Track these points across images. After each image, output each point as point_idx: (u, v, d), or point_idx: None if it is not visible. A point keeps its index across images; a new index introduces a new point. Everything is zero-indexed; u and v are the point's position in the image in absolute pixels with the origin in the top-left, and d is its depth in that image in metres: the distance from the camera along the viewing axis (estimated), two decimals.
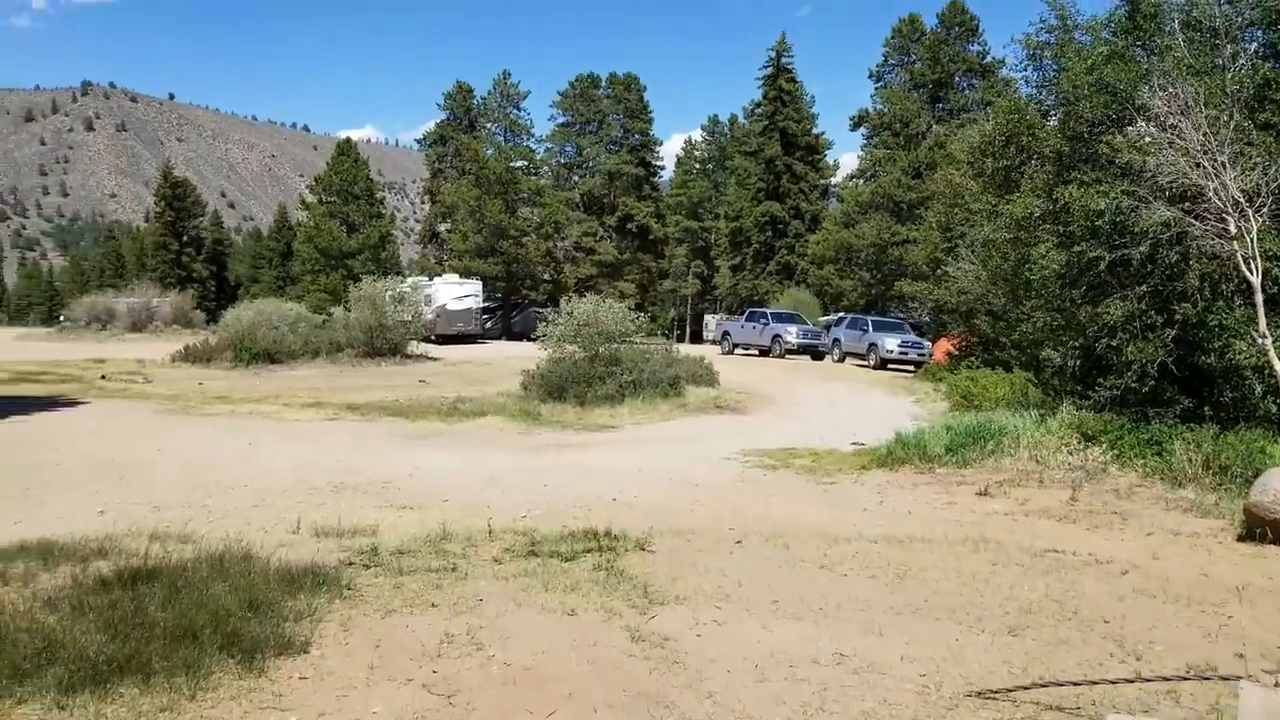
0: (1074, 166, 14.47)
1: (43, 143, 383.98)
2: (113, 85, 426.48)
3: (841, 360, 34.78)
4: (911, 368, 31.77)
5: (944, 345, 30.68)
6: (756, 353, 37.91)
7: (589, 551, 6.61)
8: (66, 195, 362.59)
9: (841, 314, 42.03)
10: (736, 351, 38.33)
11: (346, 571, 5.91)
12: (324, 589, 5.45)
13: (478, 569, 6.12)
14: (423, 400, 20.66)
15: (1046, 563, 7.72)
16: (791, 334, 36.44)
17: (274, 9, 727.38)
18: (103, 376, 25.89)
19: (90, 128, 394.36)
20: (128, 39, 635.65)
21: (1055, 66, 15.41)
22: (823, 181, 63.23)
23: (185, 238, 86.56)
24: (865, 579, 6.82)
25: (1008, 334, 22.14)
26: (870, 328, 33.84)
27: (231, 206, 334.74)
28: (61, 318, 75.90)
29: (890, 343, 32.28)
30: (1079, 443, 13.02)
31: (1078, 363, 14.59)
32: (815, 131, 62.74)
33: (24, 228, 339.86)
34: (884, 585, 6.70)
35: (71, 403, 19.65)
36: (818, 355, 36.30)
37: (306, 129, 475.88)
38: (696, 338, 62.93)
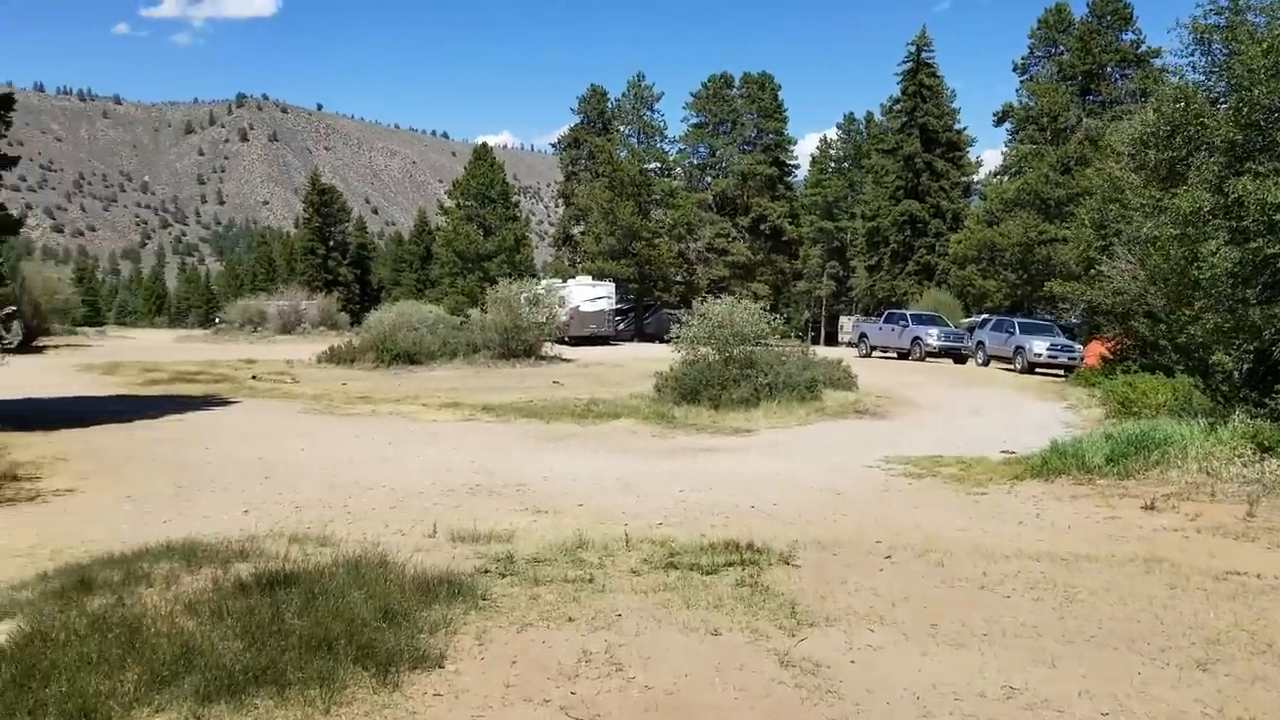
0: (1249, 157, 13.39)
1: (201, 153, 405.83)
2: (265, 97, 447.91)
3: (986, 364, 33.52)
4: (1061, 372, 30.35)
5: (1096, 348, 29.18)
6: (895, 355, 36.92)
7: (731, 565, 6.28)
8: (223, 203, 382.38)
9: (985, 315, 40.55)
10: (874, 354, 37.40)
11: (482, 580, 5.75)
12: (459, 599, 5.29)
13: (615, 581, 5.87)
14: (556, 402, 20.69)
15: (1230, 587, 7.02)
16: (932, 336, 35.32)
17: (414, 21, 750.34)
18: (253, 377, 26.90)
19: (244, 138, 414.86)
20: (280, 53, 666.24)
21: (1226, 51, 14.32)
22: (964, 179, 61.30)
23: (331, 242, 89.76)
24: (1030, 601, 6.30)
25: (1169, 336, 20.82)
26: (1017, 330, 32.49)
27: (375, 212, 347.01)
28: (217, 320, 79.74)
29: (1038, 345, 30.91)
30: (1254, 454, 11.99)
31: (1251, 367, 13.51)
32: (956, 127, 60.89)
33: (184, 234, 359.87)
34: (1051, 609, 6.17)
35: (224, 402, 20.40)
36: (960, 359, 35.10)
37: (445, 135, 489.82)
38: (831, 340, 61.90)
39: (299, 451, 13.00)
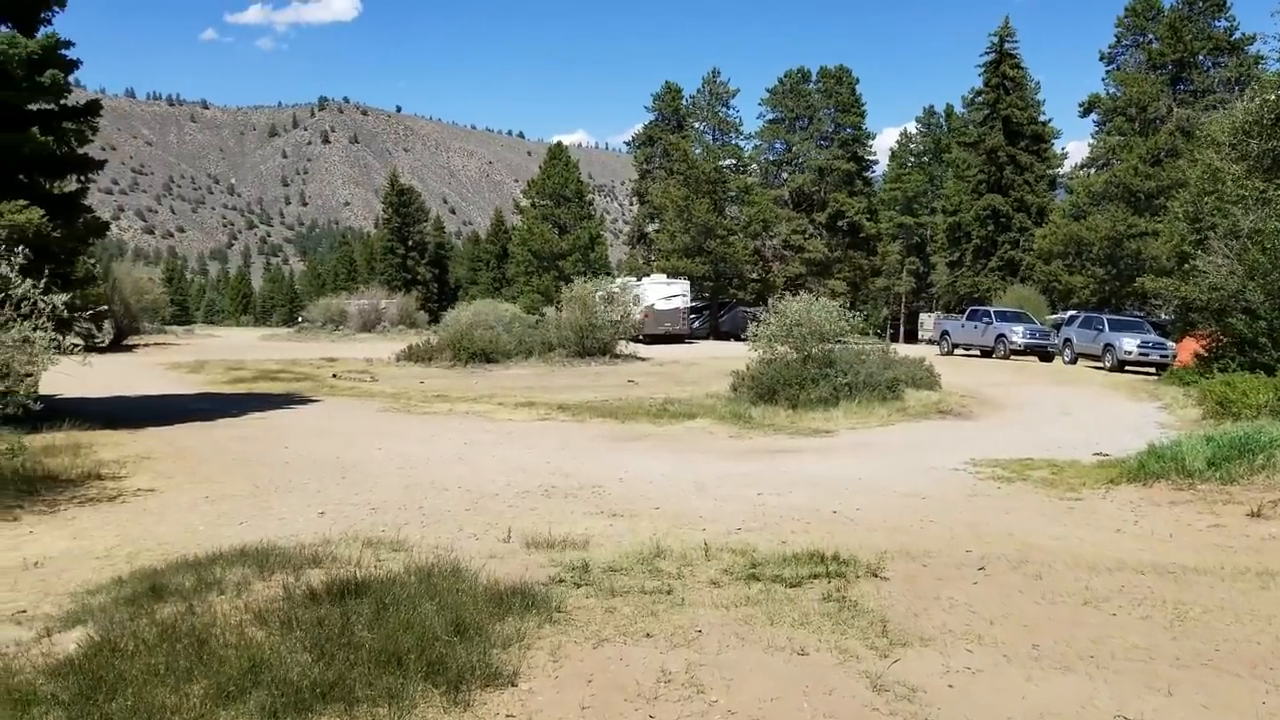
0: None
1: (284, 155, 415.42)
2: (346, 100, 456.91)
3: (1073, 362, 32.49)
4: (1153, 371, 29.26)
5: (1190, 346, 28.03)
6: (978, 353, 36.01)
7: (816, 577, 5.96)
8: (305, 204, 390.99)
9: (1073, 312, 39.38)
10: (956, 352, 36.52)
11: (557, 590, 5.54)
12: (533, 611, 5.08)
13: (695, 593, 5.61)
14: (631, 401, 20.52)
15: None
16: (1017, 334, 34.35)
17: (490, 22, 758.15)
18: (334, 375, 27.25)
19: (326, 140, 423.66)
20: (359, 56, 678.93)
21: None
22: (1049, 172, 59.67)
23: (410, 242, 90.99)
24: (1138, 620, 5.89)
25: (1270, 334, 19.87)
26: (1106, 326, 31.41)
27: (452, 212, 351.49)
28: (300, 319, 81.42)
29: (1129, 343, 29.83)
30: None
31: None
32: (1040, 119, 59.29)
33: (269, 235, 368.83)
34: (1162, 628, 5.75)
35: (305, 400, 20.64)
36: (1046, 357, 34.09)
37: (521, 135, 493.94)
38: (911, 337, 60.80)
39: (376, 451, 12.99)
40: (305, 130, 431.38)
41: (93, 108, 15.20)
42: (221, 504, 8.59)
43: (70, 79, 14.47)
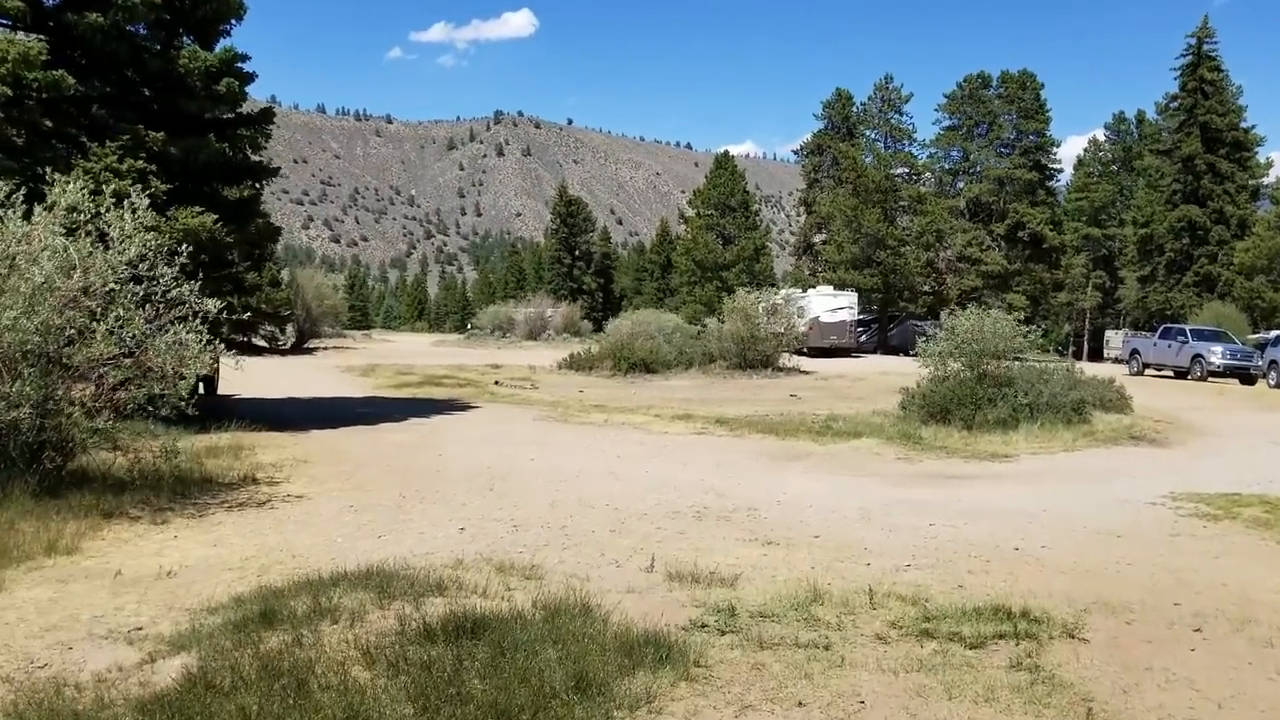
0: None
1: (461, 168, 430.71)
2: (520, 114, 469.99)
3: (1279, 386, 29.70)
4: None
5: None
6: (1171, 374, 33.56)
7: (1001, 637, 5.10)
8: (480, 215, 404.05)
9: (1278, 332, 36.15)
10: (1147, 372, 34.12)
11: (697, 638, 4.89)
12: (668, 665, 4.44)
13: (857, 650, 4.86)
14: (793, 416, 19.70)
15: None
16: (1216, 354, 31.76)
17: (660, 35, 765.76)
18: (496, 382, 27.48)
19: (500, 153, 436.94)
20: (534, 71, 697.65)
21: None
22: (1252, 182, 55.46)
23: (577, 252, 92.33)
24: None
25: None
26: None
27: (619, 223, 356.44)
28: (469, 326, 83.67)
29: None
30: None
31: None
32: (1242, 125, 55.09)
33: (445, 244, 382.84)
34: None
35: (465, 407, 20.73)
36: (1248, 379, 31.37)
37: (689, 146, 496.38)
38: (1095, 355, 57.38)
39: (528, 461, 12.70)
40: (481, 144, 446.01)
41: (266, 115, 15.59)
42: (365, 514, 8.36)
43: (245, 89, 14.86)
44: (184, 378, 8.37)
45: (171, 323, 8.56)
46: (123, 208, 8.63)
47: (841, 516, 9.80)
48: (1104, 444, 16.73)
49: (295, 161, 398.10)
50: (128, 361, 8.30)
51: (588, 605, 5.11)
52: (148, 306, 8.38)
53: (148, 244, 8.59)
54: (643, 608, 5.39)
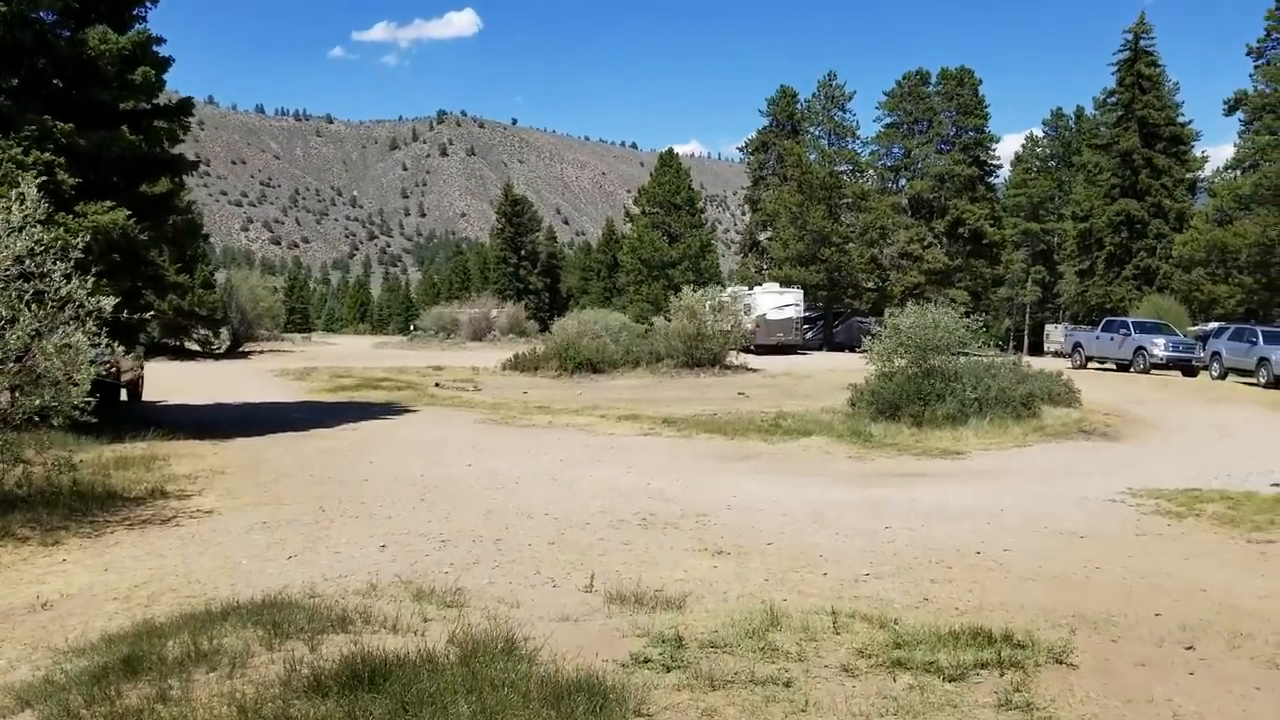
0: None
1: (404, 168, 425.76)
2: (464, 113, 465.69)
3: (1222, 377, 29.86)
4: None
5: None
6: (1114, 367, 33.64)
7: (984, 666, 4.53)
8: (424, 215, 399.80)
9: (1218, 324, 36.50)
10: (1090, 365, 34.16)
11: (638, 678, 4.23)
12: (603, 716, 3.85)
13: (821, 688, 4.23)
14: (742, 415, 19.26)
15: None
16: (1158, 346, 31.88)
17: (603, 34, 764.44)
18: (436, 384, 26.70)
19: (444, 153, 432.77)
20: (478, 71, 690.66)
21: None
22: (1189, 175, 56.09)
23: (523, 252, 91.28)
24: None
25: None
26: (1261, 339, 28.72)
27: (566, 222, 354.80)
28: (412, 327, 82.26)
29: None
30: None
31: None
32: (1179, 120, 55.80)
33: (389, 245, 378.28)
34: None
35: (402, 410, 19.98)
36: (1189, 371, 31.54)
37: (634, 146, 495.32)
38: (1035, 349, 57.84)
39: (464, 467, 12.06)
40: (424, 143, 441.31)
41: (184, 106, 14.74)
42: (278, 531, 7.68)
43: (163, 78, 14.02)
44: (76, 384, 7.61)
45: (66, 323, 7.79)
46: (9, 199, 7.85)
47: (794, 520, 9.33)
48: (1055, 438, 16.50)
49: (234, 162, 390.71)
50: (13, 367, 7.53)
51: (512, 642, 4.47)
52: (34, 307, 7.61)
53: (38, 238, 7.82)
54: (578, 640, 4.80)
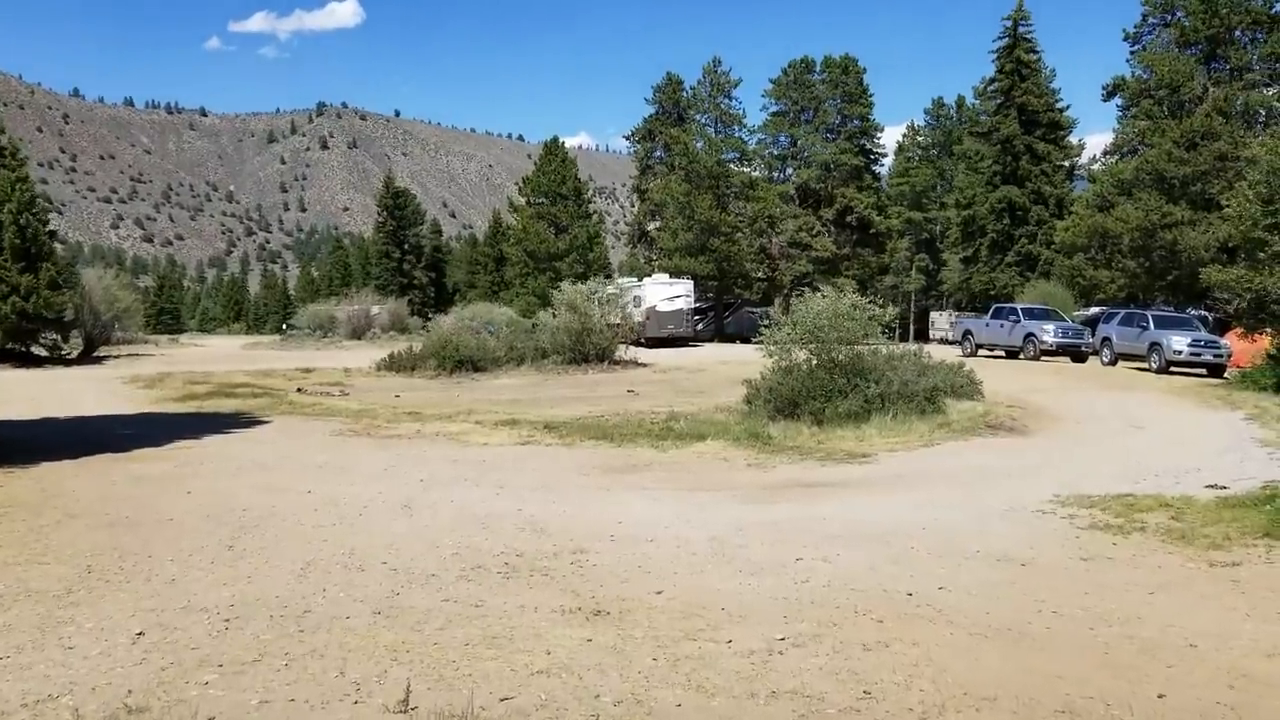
0: None
1: (283, 161, 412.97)
2: (344, 105, 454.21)
3: (1112, 363, 29.72)
4: (1204, 372, 26.53)
5: (1247, 345, 25.33)
6: (1003, 354, 33.40)
7: None
8: (304, 210, 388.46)
9: (1105, 308, 36.65)
10: (980, 353, 33.81)
11: None
12: None
13: None
14: (631, 416, 17.76)
15: None
16: (1048, 333, 31.70)
17: (490, 25, 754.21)
18: (299, 389, 24.49)
19: (325, 146, 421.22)
20: (359, 62, 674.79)
21: None
22: (1067, 162, 56.89)
23: (406, 246, 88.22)
24: None
25: None
26: (1151, 324, 28.62)
27: (453, 216, 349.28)
28: (285, 326, 78.54)
29: (1178, 342, 27.03)
30: None
31: None
32: (1058, 107, 56.53)
33: (268, 242, 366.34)
34: None
35: (251, 422, 17.87)
36: (1079, 357, 31.43)
37: (521, 138, 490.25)
38: (921, 337, 58.12)
39: (302, 495, 10.22)
40: (304, 136, 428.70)
41: None
42: (9, 610, 5.76)
43: None
44: None
45: None
46: None
47: (690, 554, 7.83)
48: (962, 435, 15.43)
49: (102, 157, 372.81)
50: None
51: None
52: None
53: None
54: None
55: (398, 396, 23.16)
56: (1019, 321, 32.99)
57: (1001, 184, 54.61)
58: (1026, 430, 16.35)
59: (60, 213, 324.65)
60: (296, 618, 5.67)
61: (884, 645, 5.49)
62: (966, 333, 35.97)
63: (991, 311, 35.89)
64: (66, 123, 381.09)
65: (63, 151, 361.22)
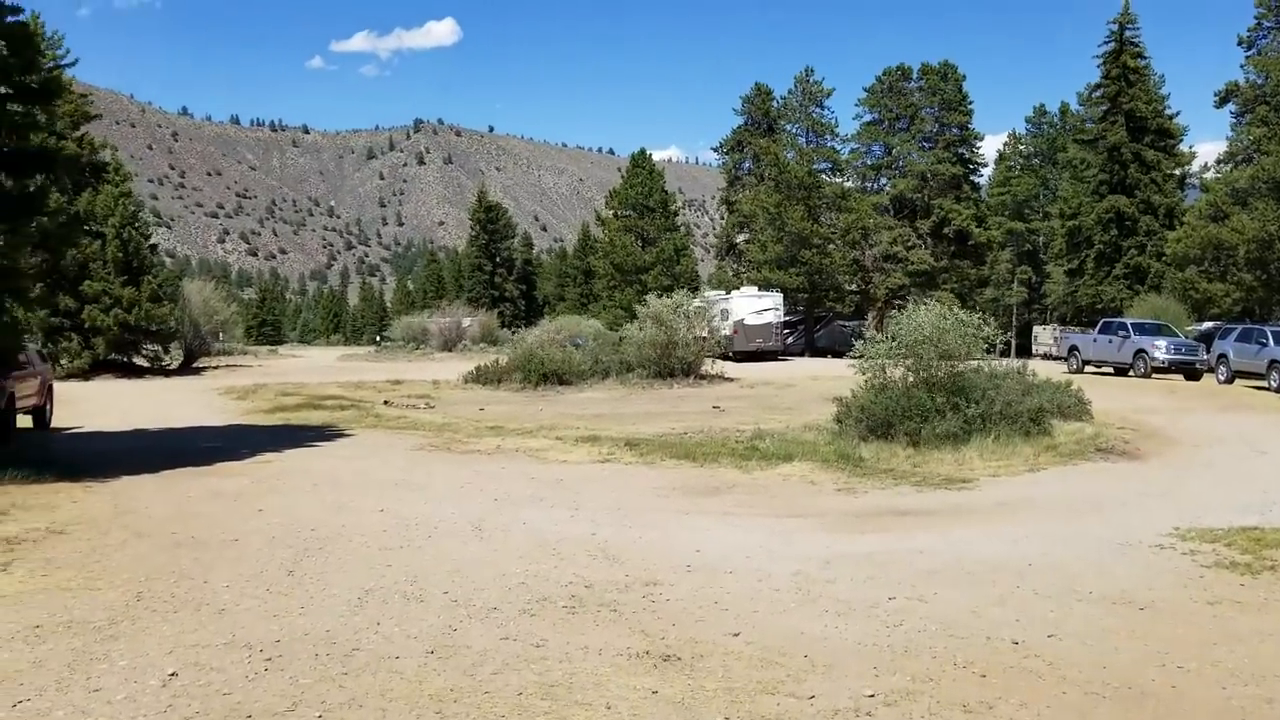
0: None
1: (381, 177, 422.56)
2: (440, 122, 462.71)
3: (1229, 381, 28.12)
4: None
5: None
6: (1111, 371, 31.95)
7: None
8: (401, 224, 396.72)
9: (1220, 324, 34.80)
10: (1087, 369, 32.40)
11: None
12: None
13: None
14: (715, 434, 17.21)
15: None
16: (1160, 349, 30.18)
17: (580, 40, 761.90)
18: (385, 402, 24.52)
19: (421, 161, 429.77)
20: (456, 79, 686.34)
21: None
22: (1178, 170, 54.42)
23: (498, 259, 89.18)
24: None
25: None
26: (1271, 340, 26.95)
27: (544, 229, 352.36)
28: (379, 338, 79.81)
29: None
30: None
31: None
32: (1167, 113, 54.15)
33: (366, 255, 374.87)
34: None
35: (335, 436, 17.83)
36: (1192, 375, 29.85)
37: (611, 152, 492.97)
38: (1023, 352, 56.14)
39: (372, 514, 9.92)
40: (401, 152, 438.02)
41: (49, 90, 12.44)
42: (45, 644, 5.45)
43: (22, 51, 11.80)
44: None
45: None
46: None
47: (771, 590, 7.25)
48: (1070, 459, 14.48)
49: (209, 174, 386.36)
50: None
51: None
52: None
53: None
54: None
55: (482, 409, 23.00)
56: (1129, 337, 31.55)
57: (1109, 193, 52.47)
58: (1140, 454, 15.32)
59: (169, 227, 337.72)
60: (343, 657, 5.27)
61: (988, 706, 4.86)
62: (1072, 348, 34.59)
63: (1099, 326, 34.42)
64: (175, 140, 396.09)
65: (172, 168, 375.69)
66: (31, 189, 12.41)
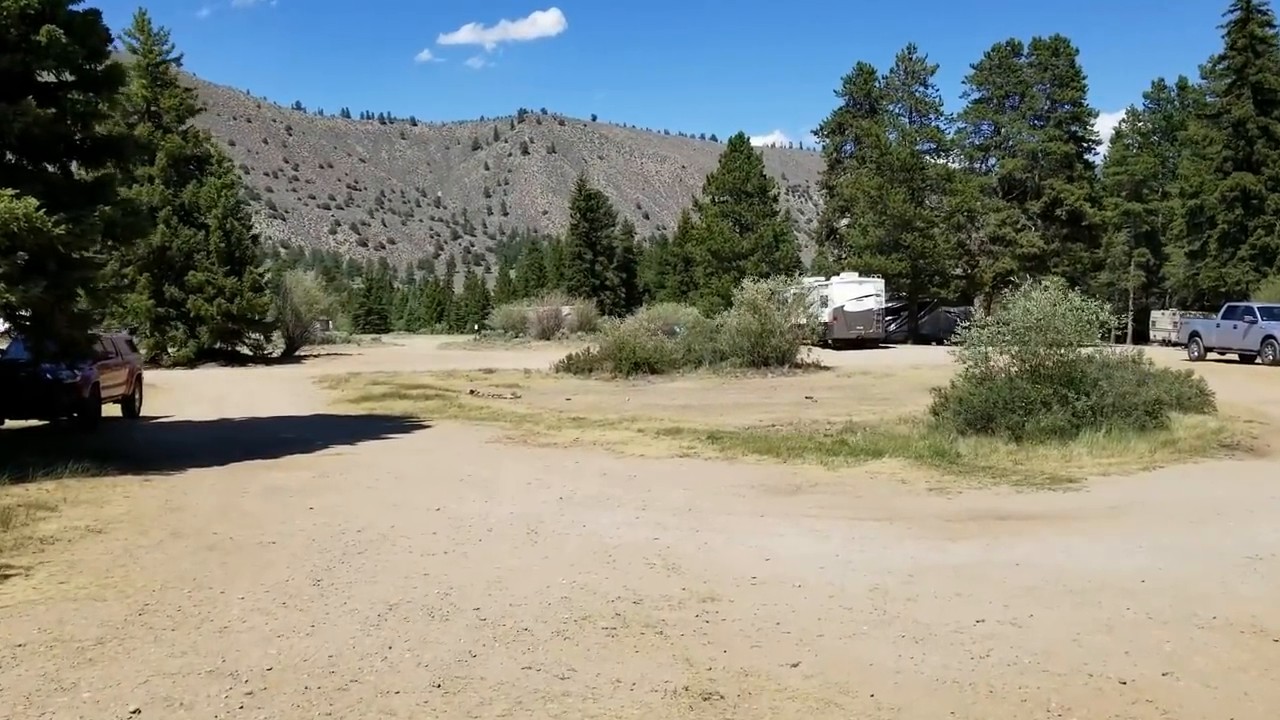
0: None
1: (486, 167, 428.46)
2: (544, 111, 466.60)
3: None
4: None
5: None
6: (1236, 358, 29.96)
7: None
8: (506, 214, 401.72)
9: None
10: (1209, 356, 30.45)
11: None
12: None
13: None
14: (803, 426, 16.40)
15: None
16: None
17: (684, 26, 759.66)
18: (471, 391, 24.29)
19: (525, 151, 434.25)
20: (560, 69, 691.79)
21: None
22: None
23: (598, 247, 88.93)
24: None
25: None
26: None
27: (646, 217, 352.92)
28: (479, 326, 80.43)
29: None
30: None
31: None
32: None
33: (472, 244, 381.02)
34: None
35: (413, 427, 17.55)
36: None
37: (714, 138, 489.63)
38: (1140, 338, 53.39)
39: (429, 513, 9.44)
40: (505, 143, 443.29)
41: (111, 78, 12.26)
42: (19, 668, 4.96)
43: (87, 39, 11.66)
44: None
45: None
46: None
47: (843, 608, 6.47)
48: (1190, 457, 13.25)
49: (321, 167, 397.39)
50: None
51: None
52: None
53: None
54: None
55: (568, 400, 22.59)
56: (1256, 322, 29.50)
57: (1233, 170, 49.50)
58: (1269, 451, 13.96)
59: (284, 219, 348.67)
60: (334, 692, 4.68)
61: None
62: (1194, 334, 32.58)
63: (1223, 311, 32.35)
64: (289, 134, 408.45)
65: (286, 161, 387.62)
66: (97, 178, 12.27)
